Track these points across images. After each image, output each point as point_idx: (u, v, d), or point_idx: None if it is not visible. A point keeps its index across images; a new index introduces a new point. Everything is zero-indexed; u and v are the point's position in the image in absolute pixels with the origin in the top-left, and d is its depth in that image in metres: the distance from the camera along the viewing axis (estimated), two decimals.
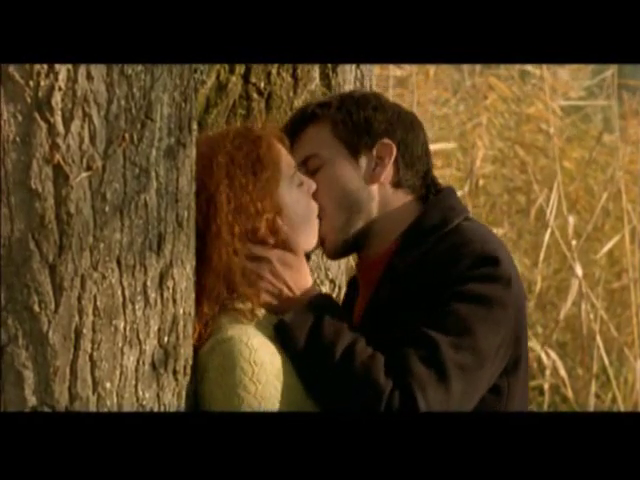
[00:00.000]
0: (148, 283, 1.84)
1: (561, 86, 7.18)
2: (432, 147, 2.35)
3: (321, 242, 2.17)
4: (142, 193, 1.81)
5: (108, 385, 1.80)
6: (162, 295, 1.87)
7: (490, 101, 7.13)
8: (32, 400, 1.76)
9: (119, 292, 1.80)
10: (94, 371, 1.79)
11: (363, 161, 2.19)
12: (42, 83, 1.72)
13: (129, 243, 1.81)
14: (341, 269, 2.79)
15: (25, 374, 1.75)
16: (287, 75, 2.65)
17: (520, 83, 7.21)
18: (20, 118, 1.72)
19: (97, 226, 1.77)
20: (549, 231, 6.19)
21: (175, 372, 1.91)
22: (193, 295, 1.96)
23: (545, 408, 6.01)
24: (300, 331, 2.01)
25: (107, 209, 1.78)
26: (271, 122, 2.29)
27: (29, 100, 1.72)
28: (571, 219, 6.20)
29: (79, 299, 1.77)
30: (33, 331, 1.75)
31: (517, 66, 7.02)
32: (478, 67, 7.22)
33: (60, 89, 1.72)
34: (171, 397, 1.90)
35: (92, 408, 1.79)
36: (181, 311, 1.91)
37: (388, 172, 2.19)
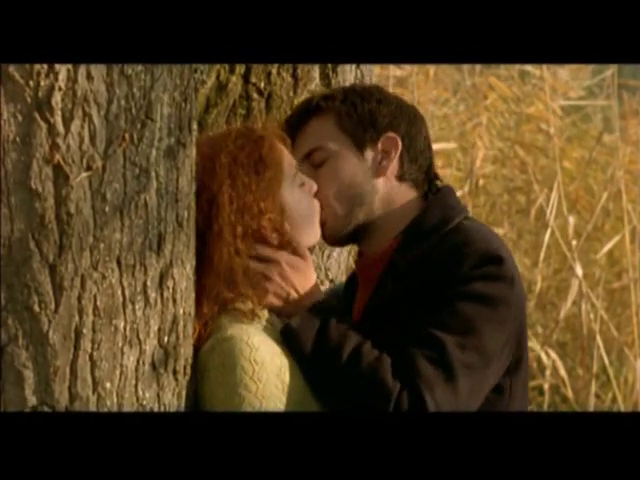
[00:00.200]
0: (148, 283, 1.84)
1: (561, 86, 7.18)
2: (432, 146, 2.35)
3: (320, 226, 2.16)
4: (142, 193, 1.81)
5: (108, 385, 1.80)
6: (162, 295, 1.87)
7: (490, 101, 7.13)
8: (32, 400, 1.76)
9: (119, 292, 1.80)
10: (94, 371, 1.79)
11: (369, 154, 2.20)
12: (42, 83, 1.72)
13: (129, 243, 1.81)
14: (341, 269, 2.79)
15: (25, 374, 1.75)
16: (287, 75, 2.66)
17: (520, 83, 7.21)
18: (20, 118, 1.72)
19: (97, 226, 1.77)
20: (549, 231, 6.19)
21: (175, 372, 1.91)
22: (193, 295, 1.96)
23: (545, 408, 6.01)
24: (307, 335, 2.01)
25: (107, 209, 1.78)
26: (272, 122, 2.29)
27: (29, 100, 1.72)
28: (571, 219, 6.21)
29: (79, 299, 1.77)
30: (33, 331, 1.75)
31: (517, 66, 7.02)
32: (478, 67, 7.22)
33: (60, 89, 1.72)
34: (171, 397, 1.90)
35: (92, 408, 1.79)
36: (181, 311, 1.91)
37: (394, 166, 2.20)
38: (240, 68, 2.64)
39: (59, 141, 1.73)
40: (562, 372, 6.05)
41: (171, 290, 1.88)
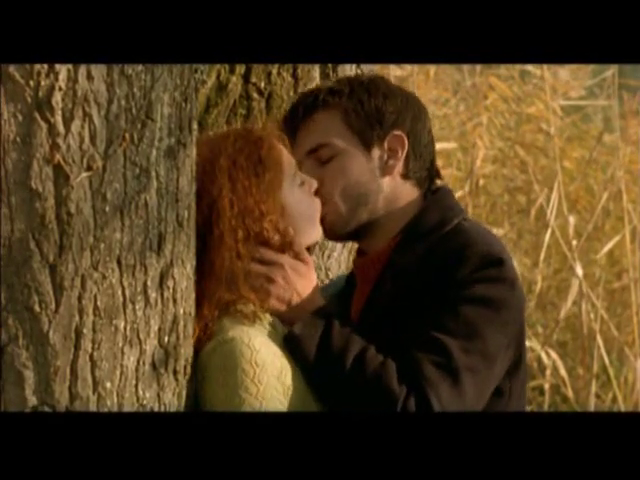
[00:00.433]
0: (148, 283, 1.84)
1: (561, 86, 7.17)
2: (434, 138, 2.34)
3: (320, 220, 2.15)
4: (142, 193, 1.81)
5: (108, 385, 1.80)
6: (162, 295, 1.87)
7: (490, 101, 7.13)
8: (32, 400, 1.76)
9: (119, 292, 1.80)
10: (94, 371, 1.79)
11: (375, 153, 2.19)
12: (42, 83, 1.72)
13: (129, 243, 1.81)
14: (341, 269, 2.79)
15: (25, 374, 1.75)
16: (287, 75, 2.66)
17: (520, 83, 7.21)
18: (20, 118, 1.72)
19: (97, 226, 1.77)
20: (549, 231, 6.19)
21: (175, 372, 1.91)
22: (193, 295, 1.96)
23: (545, 408, 6.01)
24: (310, 342, 2.01)
25: (107, 209, 1.77)
26: (271, 122, 2.29)
27: (29, 100, 1.72)
28: (571, 219, 6.21)
29: (79, 299, 1.77)
30: (33, 331, 1.75)
31: (517, 66, 7.02)
32: (478, 67, 7.21)
33: (60, 89, 1.72)
34: (171, 397, 1.90)
35: (92, 408, 1.79)
36: (181, 311, 1.91)
37: (399, 164, 2.19)
38: (240, 68, 2.64)
39: (59, 141, 1.73)
40: (562, 372, 6.05)
41: (171, 290, 1.88)
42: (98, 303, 1.78)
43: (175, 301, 1.89)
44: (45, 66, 1.71)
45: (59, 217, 1.74)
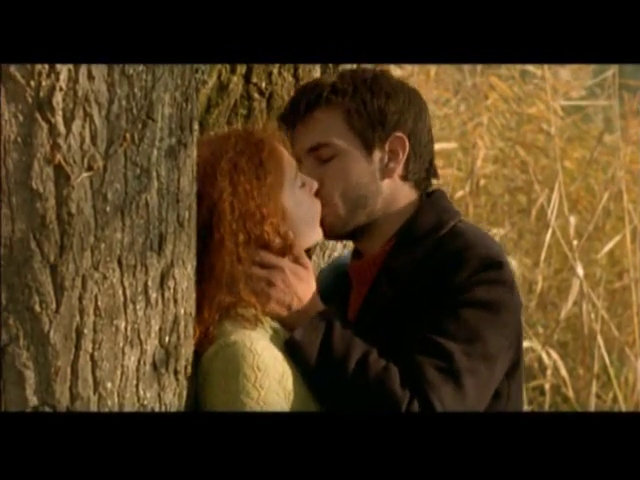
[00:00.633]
0: (149, 283, 1.84)
1: (562, 86, 7.18)
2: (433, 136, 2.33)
3: (320, 222, 2.14)
4: (143, 193, 1.81)
5: (109, 385, 1.80)
6: (163, 295, 1.87)
7: (491, 101, 7.13)
8: (33, 400, 1.76)
9: (120, 292, 1.80)
10: (95, 371, 1.79)
11: (376, 155, 2.18)
12: (43, 83, 1.72)
13: (130, 243, 1.81)
14: None
15: (26, 374, 1.75)
16: (288, 75, 2.66)
17: (521, 83, 7.21)
18: (21, 118, 1.72)
19: (98, 226, 1.77)
20: (550, 231, 6.19)
21: (176, 372, 1.91)
22: (194, 295, 1.96)
23: (546, 408, 6.02)
24: (311, 348, 2.00)
25: (108, 209, 1.78)
26: (272, 122, 2.28)
27: (30, 100, 1.72)
28: (572, 219, 6.21)
29: (80, 299, 1.77)
30: (34, 331, 1.75)
31: (518, 66, 7.02)
32: (479, 67, 7.22)
33: (61, 89, 1.72)
34: (172, 397, 1.90)
35: (93, 408, 1.79)
36: (182, 311, 1.91)
37: (400, 167, 2.19)
38: (241, 68, 2.64)
39: (60, 141, 1.73)
40: (563, 372, 6.05)
41: (172, 290, 1.88)
42: (99, 303, 1.78)
43: (176, 301, 1.89)
44: (46, 66, 1.71)
45: (60, 217, 1.74)
